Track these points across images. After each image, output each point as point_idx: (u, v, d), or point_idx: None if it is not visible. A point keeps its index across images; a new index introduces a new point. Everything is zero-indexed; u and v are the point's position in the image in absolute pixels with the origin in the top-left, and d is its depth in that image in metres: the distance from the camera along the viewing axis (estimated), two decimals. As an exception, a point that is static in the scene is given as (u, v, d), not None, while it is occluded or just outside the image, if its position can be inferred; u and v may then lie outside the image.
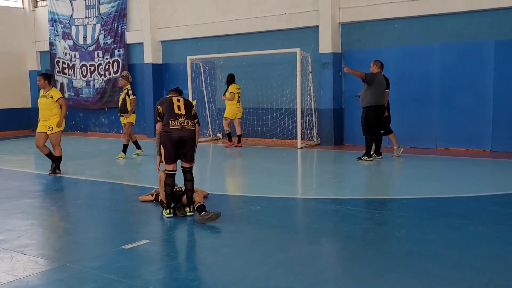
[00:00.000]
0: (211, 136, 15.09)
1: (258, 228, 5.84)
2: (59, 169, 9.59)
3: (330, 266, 4.64)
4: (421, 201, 7.04)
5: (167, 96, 6.56)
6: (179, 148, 6.27)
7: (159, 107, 6.39)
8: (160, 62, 16.14)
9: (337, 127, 12.97)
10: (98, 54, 17.34)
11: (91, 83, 17.61)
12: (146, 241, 5.40)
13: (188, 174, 6.41)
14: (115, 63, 16.92)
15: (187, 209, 6.42)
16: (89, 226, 6.20)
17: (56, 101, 9.40)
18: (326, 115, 13.01)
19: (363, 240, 5.39)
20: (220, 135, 15.00)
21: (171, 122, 6.21)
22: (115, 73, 16.94)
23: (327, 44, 12.73)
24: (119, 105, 11.59)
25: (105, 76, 17.19)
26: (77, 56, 17.93)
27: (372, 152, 10.49)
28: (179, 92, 6.78)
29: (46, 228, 6.19)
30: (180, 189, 6.66)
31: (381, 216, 6.37)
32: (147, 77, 16.08)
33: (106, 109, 17.57)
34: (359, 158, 10.49)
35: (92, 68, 17.49)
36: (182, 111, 6.31)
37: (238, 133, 13.34)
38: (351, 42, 12.83)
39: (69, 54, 18.14)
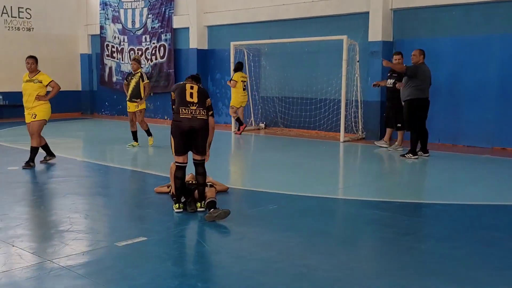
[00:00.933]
0: (253, 125, 14.58)
1: (268, 231, 5.31)
2: (33, 162, 8.50)
3: (331, 282, 4.03)
4: (461, 208, 6.28)
5: (181, 83, 6.15)
6: (190, 139, 5.83)
7: (172, 94, 5.99)
8: (206, 47, 15.75)
9: (384, 121, 12.12)
10: (145, 39, 17.18)
11: (139, 67, 17.45)
12: (143, 238, 4.99)
13: (199, 167, 5.97)
14: (162, 48, 16.70)
15: (198, 204, 5.99)
16: (92, 217, 5.85)
17: (48, 84, 8.57)
18: (373, 108, 12.24)
19: (377, 253, 4.76)
20: (262, 125, 14.49)
21: (181, 110, 5.77)
22: (161, 58, 16.73)
23: (377, 31, 11.92)
24: (130, 90, 10.71)
25: (151, 61, 17.00)
26: (126, 40, 17.85)
27: (417, 150, 9.72)
28: (196, 79, 6.32)
29: (47, 218, 5.89)
30: (194, 182, 6.24)
31: (409, 224, 5.67)
32: (191, 63, 15.72)
33: (151, 94, 17.37)
34: (403, 155, 9.73)
35: (140, 53, 17.33)
36: (195, 99, 5.86)
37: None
38: (404, 30, 11.94)
39: (118, 38, 18.09)
